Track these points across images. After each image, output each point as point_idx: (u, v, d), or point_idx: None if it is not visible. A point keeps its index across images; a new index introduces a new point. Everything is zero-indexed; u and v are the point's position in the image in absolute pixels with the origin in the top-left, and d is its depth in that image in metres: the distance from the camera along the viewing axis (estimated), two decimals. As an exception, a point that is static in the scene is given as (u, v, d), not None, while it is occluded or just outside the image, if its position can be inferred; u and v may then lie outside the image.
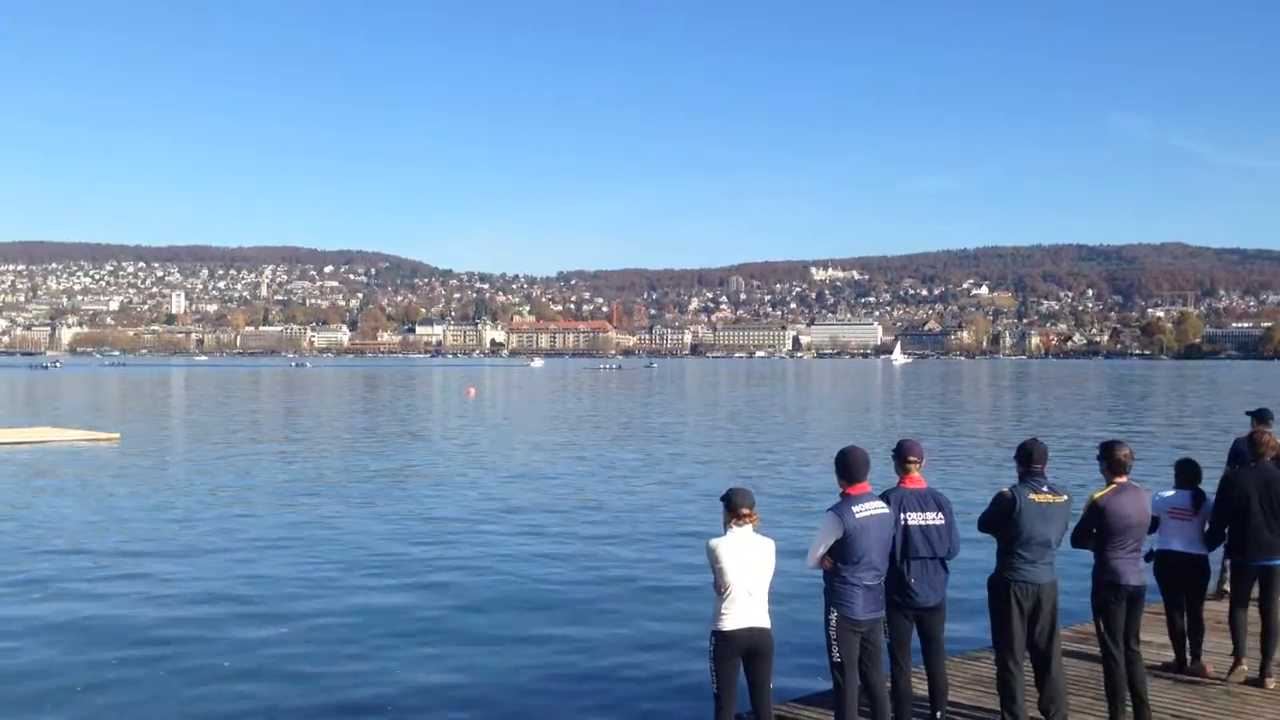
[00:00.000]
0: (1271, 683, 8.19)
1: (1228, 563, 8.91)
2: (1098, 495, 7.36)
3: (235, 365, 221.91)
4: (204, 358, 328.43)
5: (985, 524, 7.18)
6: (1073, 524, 7.28)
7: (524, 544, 17.53)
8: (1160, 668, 8.46)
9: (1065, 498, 7.09)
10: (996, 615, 7.09)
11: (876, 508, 6.59)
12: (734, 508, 6.35)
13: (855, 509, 6.49)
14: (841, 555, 6.50)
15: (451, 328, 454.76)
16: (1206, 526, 8.47)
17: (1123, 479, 7.36)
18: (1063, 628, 7.60)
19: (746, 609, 6.30)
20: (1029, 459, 7.09)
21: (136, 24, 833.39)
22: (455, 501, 22.53)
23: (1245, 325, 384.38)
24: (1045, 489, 7.01)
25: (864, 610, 6.55)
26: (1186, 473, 8.64)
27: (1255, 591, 8.49)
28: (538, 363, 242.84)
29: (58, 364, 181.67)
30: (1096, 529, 7.33)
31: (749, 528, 6.36)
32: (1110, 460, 7.40)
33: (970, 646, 9.65)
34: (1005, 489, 7.08)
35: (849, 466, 6.64)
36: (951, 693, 7.57)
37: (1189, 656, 8.57)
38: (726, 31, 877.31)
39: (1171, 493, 8.59)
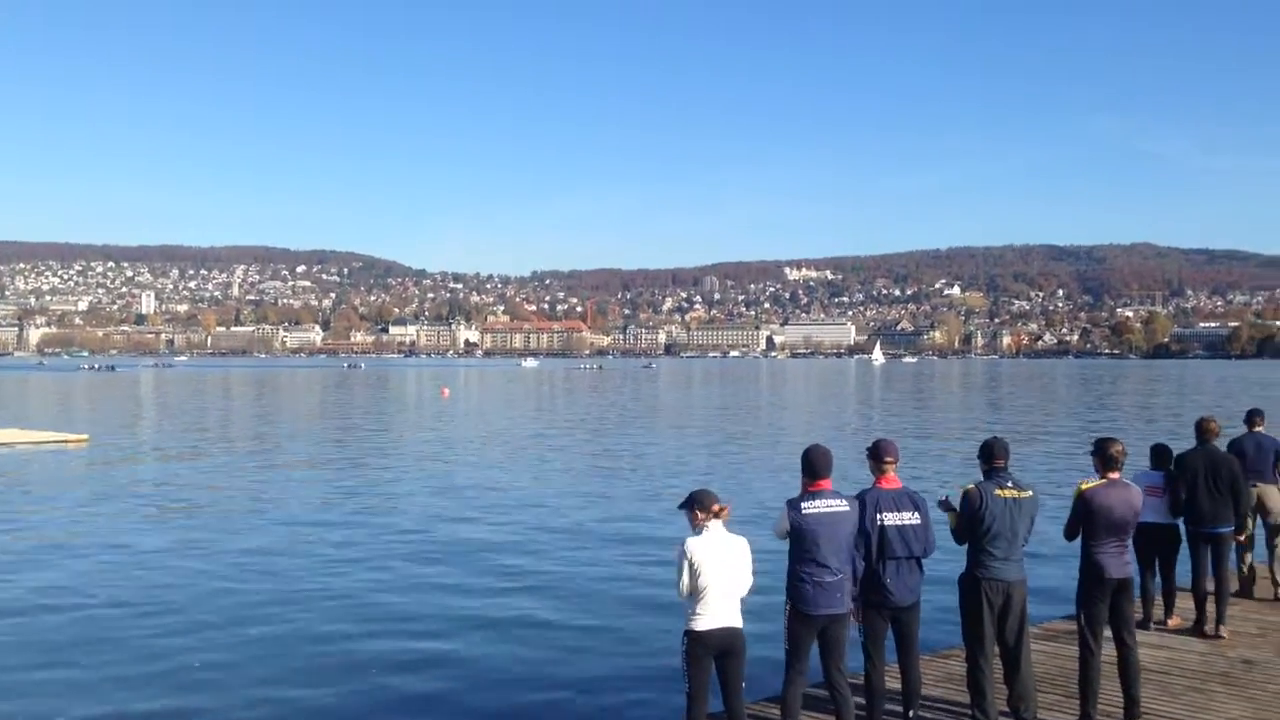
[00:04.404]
0: (1225, 631, 9.44)
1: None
2: (1085, 486, 7.47)
3: (286, 366, 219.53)
4: (237, 356, 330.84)
5: (956, 529, 7.20)
6: (1053, 517, 7.36)
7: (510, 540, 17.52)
8: None
9: (1030, 493, 7.17)
10: (967, 613, 7.15)
11: (829, 505, 6.64)
12: (704, 505, 6.33)
13: (805, 505, 6.62)
14: (792, 549, 6.67)
15: (425, 328, 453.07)
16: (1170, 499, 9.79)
17: (1115, 475, 7.47)
18: (1031, 625, 7.67)
19: (721, 609, 6.28)
20: (991, 456, 7.22)
21: (105, 20, 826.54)
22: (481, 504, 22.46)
23: (1213, 325, 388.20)
24: (1010, 484, 7.09)
25: (815, 605, 6.60)
26: (1160, 456, 10.01)
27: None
28: (530, 363, 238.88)
29: (113, 367, 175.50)
30: (1083, 520, 7.44)
31: (719, 523, 6.35)
32: (1103, 456, 7.49)
33: (941, 645, 9.72)
34: (971, 485, 7.15)
35: (808, 464, 6.78)
36: (923, 690, 7.63)
37: (1163, 614, 9.90)
38: (700, 32, 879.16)
39: (1147, 473, 9.91)
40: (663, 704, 9.34)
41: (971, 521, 7.03)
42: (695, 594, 6.25)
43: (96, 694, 9.88)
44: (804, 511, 6.59)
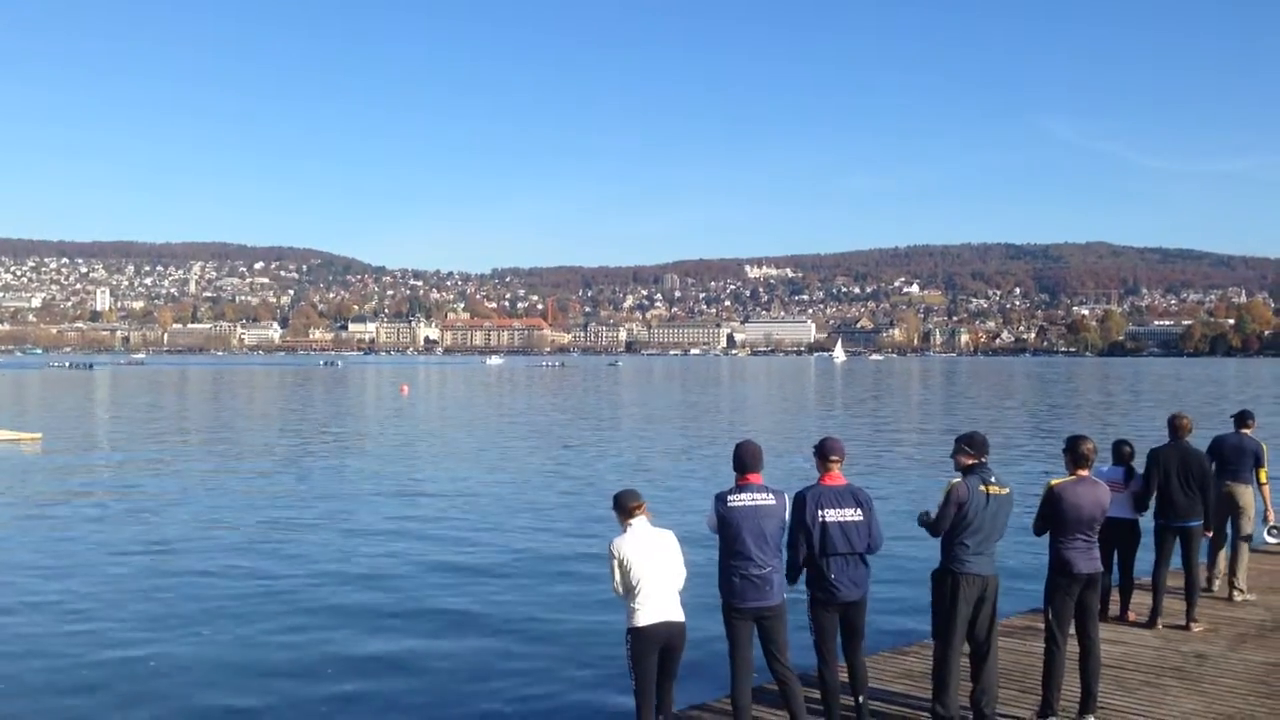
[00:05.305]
0: (1197, 627, 9.65)
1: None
2: (1055, 482, 7.54)
3: (260, 364, 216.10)
4: (220, 353, 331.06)
5: (939, 521, 7.06)
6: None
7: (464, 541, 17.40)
8: None
9: (1007, 489, 7.18)
10: (940, 607, 7.13)
11: (751, 499, 6.75)
12: (624, 506, 6.53)
13: (730, 498, 6.77)
14: (721, 543, 6.80)
15: (385, 325, 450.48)
16: (1138, 493, 9.97)
17: (1084, 472, 7.54)
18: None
19: (660, 603, 6.39)
20: (976, 449, 7.18)
21: (59, 16, 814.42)
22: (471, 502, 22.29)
23: (1166, 323, 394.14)
24: (993, 480, 7.10)
25: (744, 598, 6.71)
26: (1120, 451, 10.17)
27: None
28: (495, 360, 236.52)
29: (91, 365, 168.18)
30: (1051, 516, 7.49)
31: (642, 519, 6.52)
32: (1074, 453, 7.57)
33: (900, 640, 9.76)
34: (956, 479, 7.10)
35: (737, 458, 6.93)
36: (882, 686, 7.65)
37: (1119, 608, 10.12)
38: (660, 30, 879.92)
39: (1107, 468, 9.98)
40: (605, 703, 9.29)
41: (956, 516, 7.02)
42: (630, 590, 6.39)
43: None
44: (729, 504, 6.74)
